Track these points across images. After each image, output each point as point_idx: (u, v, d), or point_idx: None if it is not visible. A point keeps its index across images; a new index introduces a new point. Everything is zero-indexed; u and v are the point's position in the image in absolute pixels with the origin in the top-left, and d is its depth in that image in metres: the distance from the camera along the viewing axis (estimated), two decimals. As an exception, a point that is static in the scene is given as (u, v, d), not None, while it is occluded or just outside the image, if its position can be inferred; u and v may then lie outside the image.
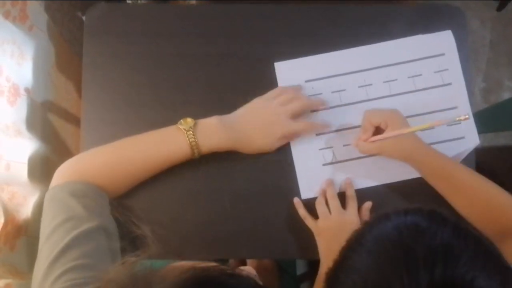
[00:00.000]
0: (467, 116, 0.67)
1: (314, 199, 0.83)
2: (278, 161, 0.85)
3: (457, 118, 0.68)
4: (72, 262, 0.61)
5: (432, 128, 0.72)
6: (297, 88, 0.85)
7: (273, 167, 0.85)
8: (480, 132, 0.86)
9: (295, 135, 0.83)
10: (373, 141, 0.79)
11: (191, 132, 0.76)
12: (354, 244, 0.51)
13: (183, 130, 0.76)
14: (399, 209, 0.51)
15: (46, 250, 0.64)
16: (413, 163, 0.80)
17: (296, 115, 0.81)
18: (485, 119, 1.28)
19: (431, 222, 0.48)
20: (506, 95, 1.85)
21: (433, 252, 0.44)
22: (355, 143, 0.82)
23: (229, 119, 0.80)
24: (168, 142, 0.77)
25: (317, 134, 0.85)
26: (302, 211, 0.82)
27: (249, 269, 0.54)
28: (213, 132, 0.77)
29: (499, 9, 1.82)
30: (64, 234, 0.64)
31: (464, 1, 1.85)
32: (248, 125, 0.79)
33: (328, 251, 0.79)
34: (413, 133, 0.78)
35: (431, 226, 0.47)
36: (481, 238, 0.47)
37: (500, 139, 1.78)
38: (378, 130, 0.79)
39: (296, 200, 0.83)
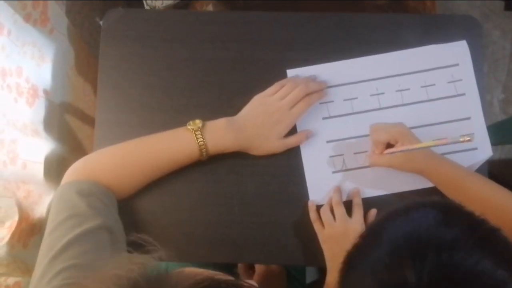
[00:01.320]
0: (469, 139, 0.66)
1: (323, 205, 0.83)
2: (288, 166, 0.85)
3: (461, 139, 0.67)
4: (71, 260, 0.62)
5: (436, 146, 0.71)
6: (296, 80, 0.85)
7: (283, 172, 0.85)
8: (497, 143, 0.85)
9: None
10: (384, 155, 0.79)
11: (199, 132, 0.77)
12: (373, 232, 0.52)
13: (192, 130, 0.77)
14: (416, 201, 0.52)
15: (47, 245, 0.65)
16: (426, 175, 0.79)
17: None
18: (503, 131, 1.26)
19: (445, 215, 0.49)
20: (525, 107, 1.82)
21: (442, 242, 0.45)
22: (367, 158, 0.83)
23: (235, 120, 0.81)
24: (177, 143, 0.78)
25: (327, 141, 0.85)
26: (313, 215, 0.82)
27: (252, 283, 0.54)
28: (221, 133, 0.79)
29: (520, 20, 1.80)
30: (66, 232, 0.65)
31: (484, 12, 1.83)
32: (252, 124, 0.80)
33: (333, 258, 0.79)
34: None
35: (444, 218, 0.48)
36: (496, 230, 0.48)
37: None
38: (388, 144, 0.79)
39: (310, 202, 0.83)
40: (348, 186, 0.84)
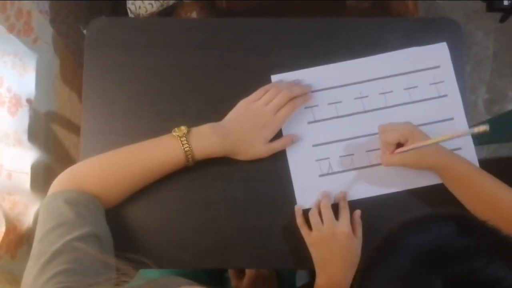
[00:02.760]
0: (485, 128, 0.66)
1: (310, 209, 0.83)
2: (275, 171, 0.86)
3: (476, 130, 0.67)
4: (63, 265, 0.62)
5: (452, 139, 0.71)
6: (279, 85, 0.86)
7: (270, 177, 0.85)
8: (483, 143, 0.86)
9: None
10: (397, 154, 0.80)
11: (184, 138, 0.77)
12: (390, 243, 0.53)
13: (177, 137, 0.77)
14: (432, 212, 0.54)
15: (37, 253, 0.64)
16: (438, 171, 0.81)
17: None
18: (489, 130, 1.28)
19: (460, 225, 0.50)
20: (509, 106, 1.84)
21: (461, 251, 0.46)
22: (380, 159, 0.84)
23: (221, 126, 0.81)
24: (163, 150, 0.78)
25: (313, 145, 0.86)
26: (299, 219, 0.83)
27: None
28: (206, 138, 0.79)
29: (502, 20, 1.82)
30: (55, 239, 0.65)
31: (467, 13, 1.86)
32: (237, 129, 0.81)
33: (321, 261, 0.80)
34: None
35: (460, 228, 0.49)
36: (510, 237, 0.50)
37: (504, 150, 1.77)
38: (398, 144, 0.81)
39: (297, 207, 0.84)
40: (335, 189, 0.85)
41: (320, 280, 0.79)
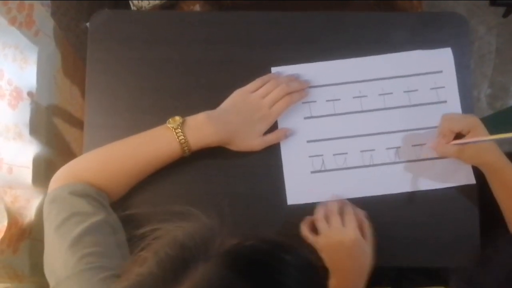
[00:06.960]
0: None
1: (301, 205, 0.84)
2: (268, 165, 0.86)
3: None
4: (88, 248, 0.63)
5: None
6: (278, 78, 0.86)
7: (274, 172, 0.85)
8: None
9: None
10: (455, 144, 0.80)
11: (179, 130, 0.77)
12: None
13: (172, 128, 0.77)
14: None
15: (58, 238, 0.66)
16: (489, 171, 0.81)
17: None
18: (491, 125, 1.27)
19: None
20: (512, 102, 1.84)
21: None
22: (433, 145, 0.83)
23: (215, 114, 0.81)
24: (158, 141, 0.78)
25: (308, 141, 0.86)
26: (304, 231, 0.81)
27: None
28: (201, 127, 0.79)
29: (505, 15, 1.81)
30: (73, 226, 0.66)
31: (470, 7, 1.84)
32: (233, 119, 0.81)
33: (332, 265, 0.78)
34: (493, 141, 0.79)
35: None
36: None
37: (505, 145, 1.76)
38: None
39: (304, 221, 0.82)
40: (327, 187, 0.84)
41: (332, 281, 0.78)
